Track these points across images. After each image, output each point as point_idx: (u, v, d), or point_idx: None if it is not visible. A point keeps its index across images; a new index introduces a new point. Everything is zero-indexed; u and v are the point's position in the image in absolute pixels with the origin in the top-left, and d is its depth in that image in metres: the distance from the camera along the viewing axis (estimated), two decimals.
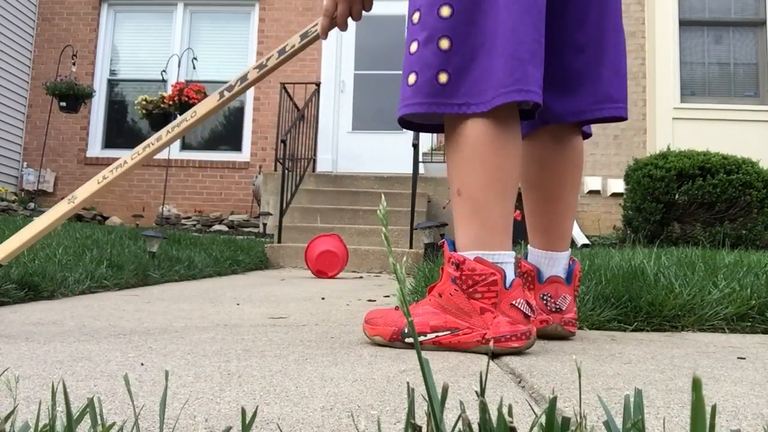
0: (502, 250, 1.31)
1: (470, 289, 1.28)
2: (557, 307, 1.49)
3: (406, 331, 1.35)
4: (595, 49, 1.46)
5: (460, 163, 1.34)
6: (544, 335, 1.50)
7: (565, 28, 1.45)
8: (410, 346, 1.35)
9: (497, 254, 1.30)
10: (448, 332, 1.29)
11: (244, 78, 1.67)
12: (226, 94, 1.68)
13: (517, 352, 1.28)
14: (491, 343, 1.24)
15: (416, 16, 1.35)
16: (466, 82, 1.30)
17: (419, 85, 1.33)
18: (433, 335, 1.30)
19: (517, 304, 1.28)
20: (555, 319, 1.49)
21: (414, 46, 1.35)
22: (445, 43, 1.30)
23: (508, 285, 1.28)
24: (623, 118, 1.51)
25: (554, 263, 1.54)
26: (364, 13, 1.58)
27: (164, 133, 1.68)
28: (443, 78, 1.30)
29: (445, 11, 1.30)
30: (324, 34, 1.59)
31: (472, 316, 1.28)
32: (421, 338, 1.30)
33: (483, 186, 1.31)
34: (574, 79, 1.47)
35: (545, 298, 1.49)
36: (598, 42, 1.46)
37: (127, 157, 1.66)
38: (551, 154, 1.55)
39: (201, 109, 1.68)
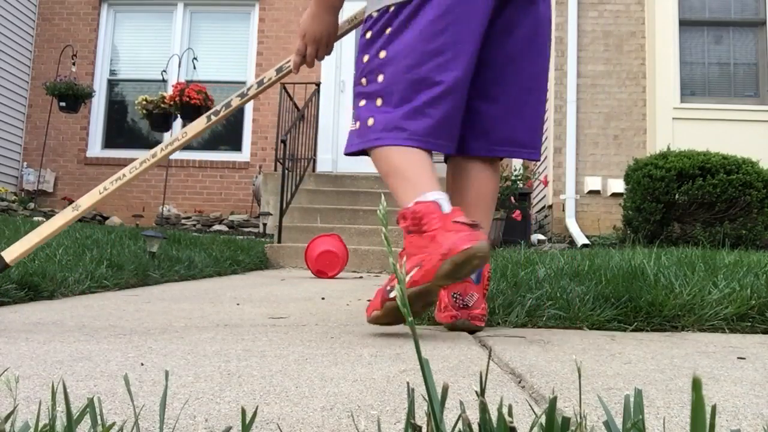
0: (431, 191, 1.49)
1: (419, 227, 1.45)
2: (464, 303, 1.64)
3: (387, 288, 1.51)
4: (507, 103, 1.72)
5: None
6: (455, 328, 1.65)
7: (483, 83, 1.71)
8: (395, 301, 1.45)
9: (428, 194, 1.48)
10: (417, 268, 1.41)
11: (228, 105, 1.93)
12: (213, 118, 1.94)
13: (472, 255, 1.36)
14: (449, 256, 1.36)
15: (364, 81, 1.67)
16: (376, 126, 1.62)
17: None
18: (408, 278, 1.41)
19: (459, 219, 1.41)
20: (463, 315, 1.63)
21: (362, 102, 1.67)
22: (379, 101, 1.63)
23: (446, 211, 1.44)
24: (537, 160, 1.86)
25: None
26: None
27: (158, 150, 1.90)
28: (371, 122, 1.62)
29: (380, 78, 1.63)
30: (296, 70, 1.91)
31: (428, 246, 1.41)
32: (406, 276, 1.42)
33: (399, 161, 1.59)
34: (486, 124, 1.73)
35: (455, 296, 1.64)
36: (512, 98, 1.72)
37: (126, 170, 1.85)
38: (468, 173, 1.81)
39: (191, 130, 1.93)
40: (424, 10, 1.57)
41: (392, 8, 1.61)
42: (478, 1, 1.59)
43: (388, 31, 1.61)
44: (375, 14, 1.65)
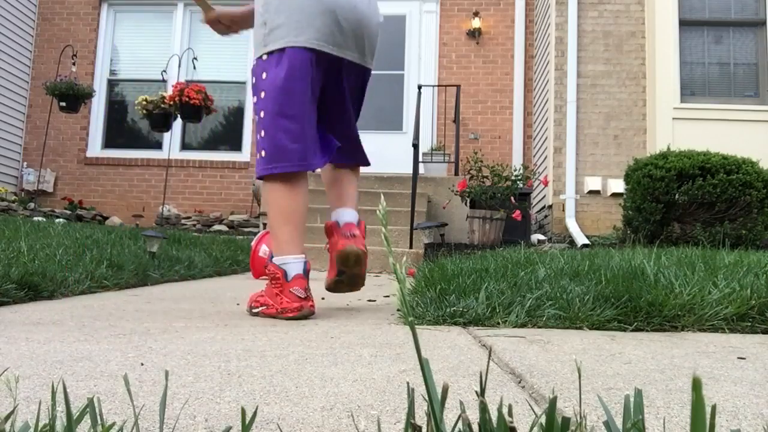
0: (287, 254, 2.12)
1: (272, 281, 2.11)
2: (351, 233, 2.28)
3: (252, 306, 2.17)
4: (342, 129, 2.44)
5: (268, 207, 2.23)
6: (351, 254, 2.21)
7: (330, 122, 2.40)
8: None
9: (282, 258, 2.11)
10: (264, 307, 2.12)
11: None
12: None
13: (297, 318, 2.04)
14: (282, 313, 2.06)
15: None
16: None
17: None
18: (258, 309, 2.13)
19: (293, 291, 2.06)
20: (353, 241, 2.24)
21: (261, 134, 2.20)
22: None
23: (289, 278, 2.07)
24: (367, 163, 2.61)
25: (343, 215, 2.40)
26: None
27: None
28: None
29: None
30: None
31: (273, 298, 2.10)
32: (255, 310, 2.14)
33: (274, 219, 2.18)
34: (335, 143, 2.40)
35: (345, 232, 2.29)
36: (343, 126, 2.45)
37: None
38: (334, 175, 2.53)
39: None
40: None
41: None
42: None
43: None
44: None
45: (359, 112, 2.56)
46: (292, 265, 2.09)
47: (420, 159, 6.68)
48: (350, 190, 2.54)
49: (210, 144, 9.16)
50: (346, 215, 2.40)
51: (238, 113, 9.09)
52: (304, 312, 2.03)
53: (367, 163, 2.59)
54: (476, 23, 8.58)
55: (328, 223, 2.40)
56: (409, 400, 0.53)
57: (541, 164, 7.40)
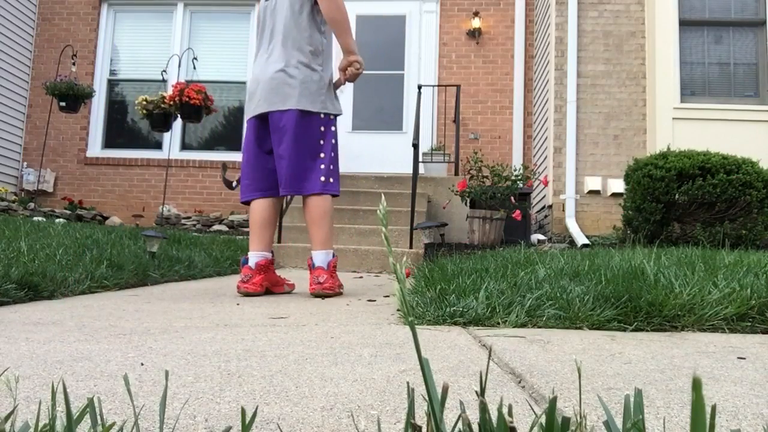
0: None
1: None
2: (318, 281, 2.86)
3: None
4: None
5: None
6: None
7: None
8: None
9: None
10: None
11: None
12: None
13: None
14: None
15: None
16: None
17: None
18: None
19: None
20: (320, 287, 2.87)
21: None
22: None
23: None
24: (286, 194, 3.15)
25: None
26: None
27: None
28: None
29: None
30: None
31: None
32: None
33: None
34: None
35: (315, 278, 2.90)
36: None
37: None
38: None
39: None
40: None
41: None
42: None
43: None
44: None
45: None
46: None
47: (420, 159, 6.68)
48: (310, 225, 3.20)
49: (210, 144, 9.15)
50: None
51: (238, 113, 9.09)
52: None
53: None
54: (476, 23, 8.58)
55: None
56: (409, 400, 0.53)
57: (541, 164, 7.40)
